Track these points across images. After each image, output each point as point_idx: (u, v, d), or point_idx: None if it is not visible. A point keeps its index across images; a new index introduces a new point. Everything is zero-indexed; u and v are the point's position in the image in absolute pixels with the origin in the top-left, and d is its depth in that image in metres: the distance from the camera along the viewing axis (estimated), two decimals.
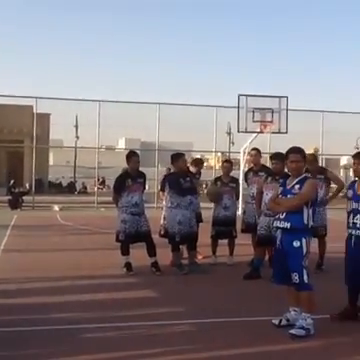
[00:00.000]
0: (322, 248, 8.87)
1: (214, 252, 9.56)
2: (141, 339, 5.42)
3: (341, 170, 51.03)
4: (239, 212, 10.47)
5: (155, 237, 8.85)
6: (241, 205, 15.08)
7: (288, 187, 5.79)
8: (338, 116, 27.03)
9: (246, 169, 13.26)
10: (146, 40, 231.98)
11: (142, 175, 8.68)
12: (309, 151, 32.87)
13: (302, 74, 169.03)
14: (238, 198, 10.24)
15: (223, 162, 10.30)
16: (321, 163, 36.09)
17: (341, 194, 9.23)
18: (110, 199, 9.57)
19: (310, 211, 5.66)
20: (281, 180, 6.43)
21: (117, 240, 8.59)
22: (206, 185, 17.57)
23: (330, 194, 9.14)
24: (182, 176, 8.66)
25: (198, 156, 26.94)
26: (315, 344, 5.32)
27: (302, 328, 5.49)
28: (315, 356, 5.05)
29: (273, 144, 21.94)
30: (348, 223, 5.98)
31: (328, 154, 31.27)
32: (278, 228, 5.77)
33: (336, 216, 15.27)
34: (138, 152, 9.15)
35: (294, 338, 5.41)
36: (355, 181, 6.07)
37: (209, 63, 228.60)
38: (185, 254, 9.17)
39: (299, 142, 10.15)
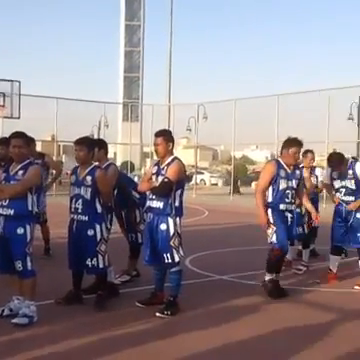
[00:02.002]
0: (45, 233, 9.00)
1: None
2: None
3: None
4: None
5: None
6: None
7: (11, 173, 5.62)
8: (73, 103, 27.49)
9: None
10: None
11: None
12: (45, 137, 32.67)
13: (37, 60, 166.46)
14: None
15: None
16: (58, 150, 36.37)
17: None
18: None
19: (34, 197, 5.58)
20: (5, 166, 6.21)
21: None
22: None
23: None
24: None
25: None
26: (40, 331, 5.28)
27: (25, 316, 5.40)
28: (40, 342, 4.99)
29: (5, 129, 21.31)
30: (70, 208, 6.07)
31: (65, 141, 31.58)
32: (1, 215, 5.57)
33: (64, 201, 15.54)
34: None
35: (18, 327, 5.29)
36: (77, 167, 6.19)
37: None
38: None
39: (32, 128, 10.00)
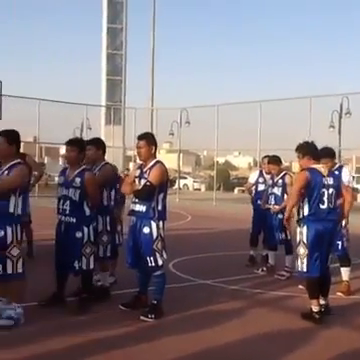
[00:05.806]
0: (29, 234, 8.86)
1: None
2: None
3: (60, 159, 52.06)
4: None
5: None
6: None
7: None
8: (56, 105, 27.34)
9: None
10: None
11: None
12: (27, 139, 32.74)
13: (19, 60, 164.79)
14: None
15: None
16: (40, 151, 36.09)
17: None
18: None
19: (19, 199, 5.47)
20: None
21: None
22: None
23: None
24: None
25: None
26: (26, 331, 5.29)
27: (11, 318, 5.37)
28: (26, 343, 4.98)
29: None
30: (58, 209, 6.09)
31: (47, 142, 31.43)
32: None
33: (48, 203, 15.51)
34: None
35: (3, 329, 5.24)
36: (66, 168, 6.21)
37: None
38: None
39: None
